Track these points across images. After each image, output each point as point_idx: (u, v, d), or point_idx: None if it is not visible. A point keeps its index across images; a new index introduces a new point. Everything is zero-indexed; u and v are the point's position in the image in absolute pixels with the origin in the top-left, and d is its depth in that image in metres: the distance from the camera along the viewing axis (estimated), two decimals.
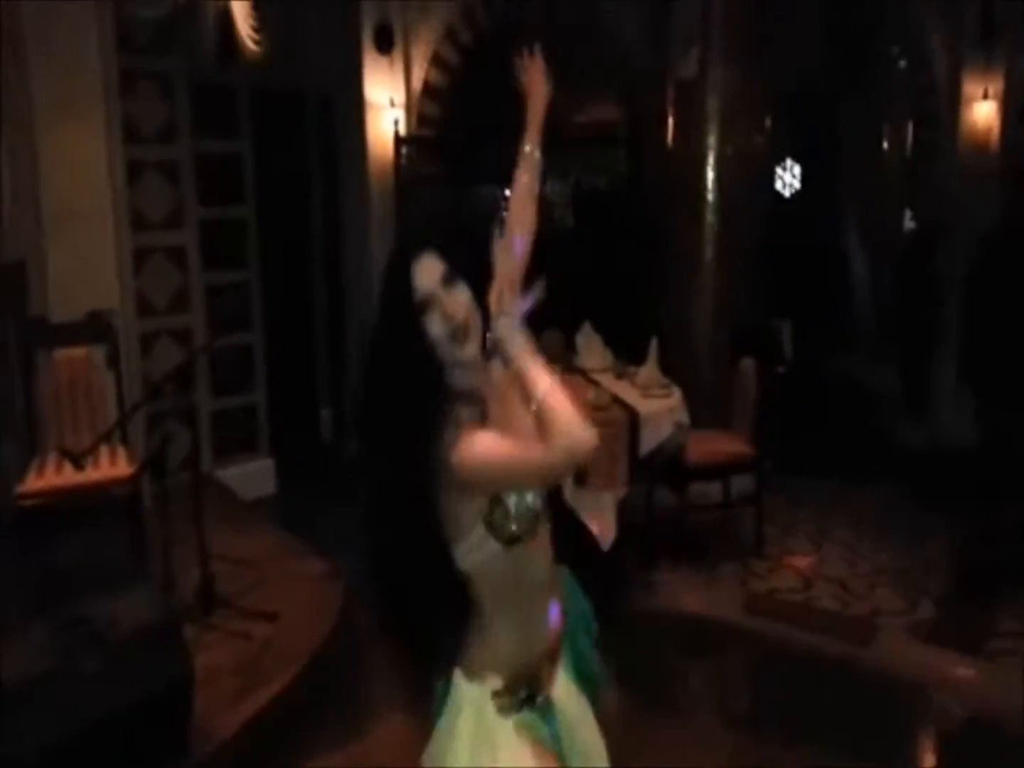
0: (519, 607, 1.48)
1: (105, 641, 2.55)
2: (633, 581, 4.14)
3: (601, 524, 3.89)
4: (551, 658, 1.54)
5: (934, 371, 5.99)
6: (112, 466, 3.50)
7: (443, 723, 1.50)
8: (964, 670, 3.45)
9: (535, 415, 1.36)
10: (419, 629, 1.55)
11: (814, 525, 4.75)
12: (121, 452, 3.61)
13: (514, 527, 1.40)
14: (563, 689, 1.56)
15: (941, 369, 5.96)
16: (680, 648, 3.73)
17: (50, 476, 3.44)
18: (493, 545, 1.40)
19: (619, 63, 6.15)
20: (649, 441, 4.04)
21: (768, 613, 3.89)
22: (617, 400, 4.11)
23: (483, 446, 1.35)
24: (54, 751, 2.35)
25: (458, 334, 1.40)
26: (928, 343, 6.03)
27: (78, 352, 3.78)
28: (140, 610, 2.72)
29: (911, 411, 6.08)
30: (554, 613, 1.55)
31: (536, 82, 1.70)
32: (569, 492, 3.87)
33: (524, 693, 1.47)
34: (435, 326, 1.39)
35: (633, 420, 3.98)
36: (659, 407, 4.13)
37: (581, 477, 3.90)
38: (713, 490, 4.52)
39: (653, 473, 4.41)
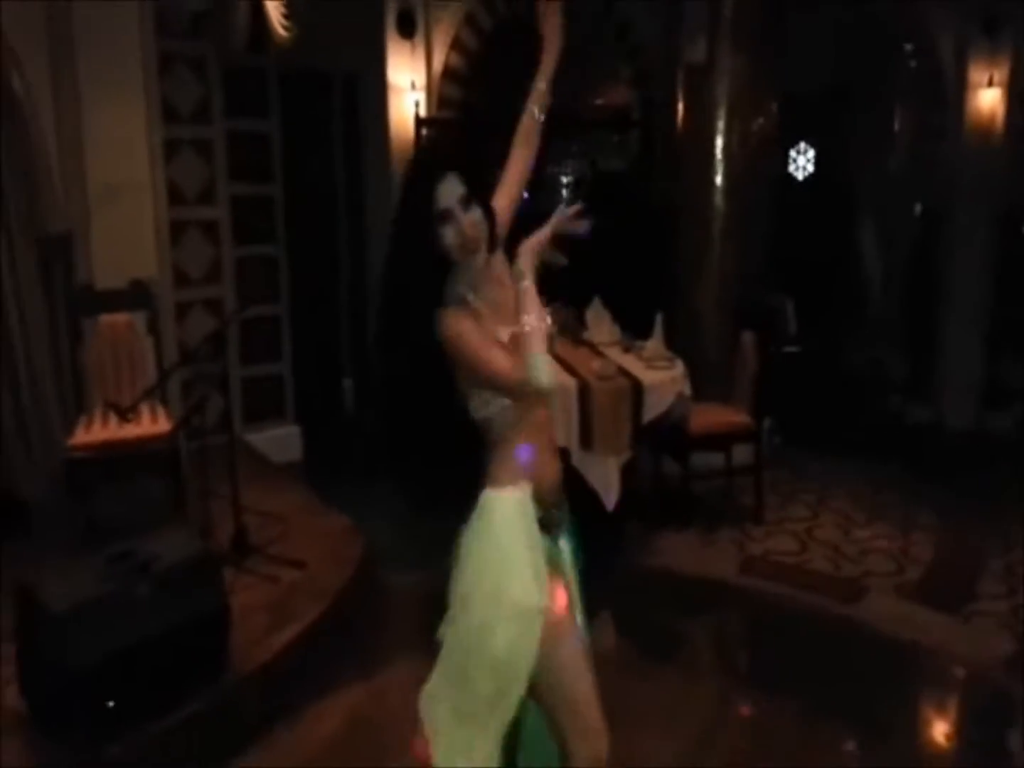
0: (534, 439, 1.78)
1: (151, 572, 2.83)
2: (636, 541, 4.38)
3: (605, 486, 4.14)
4: (560, 499, 1.85)
5: (938, 353, 6.18)
6: (153, 423, 3.78)
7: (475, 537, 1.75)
8: (946, 627, 3.66)
9: (514, 339, 1.63)
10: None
11: (814, 495, 4.97)
12: (160, 411, 3.90)
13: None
14: None
15: (944, 351, 6.14)
16: (678, 604, 3.95)
17: (96, 430, 3.73)
18: (502, 401, 1.70)
19: (633, 46, 6.34)
20: (652, 409, 4.27)
21: (763, 573, 4.12)
22: (622, 371, 4.34)
23: (460, 329, 1.63)
24: (105, 667, 2.63)
25: (468, 246, 1.69)
26: (933, 326, 6.21)
27: (121, 318, 4.06)
28: (181, 547, 2.99)
29: (915, 391, 6.28)
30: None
31: (552, 26, 1.90)
32: (576, 456, 4.11)
33: (543, 516, 1.77)
34: (449, 237, 1.68)
35: (637, 389, 4.21)
36: (662, 378, 4.36)
37: (587, 441, 4.16)
38: (715, 459, 4.75)
39: (658, 442, 4.64)
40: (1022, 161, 5.96)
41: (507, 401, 1.70)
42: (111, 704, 2.64)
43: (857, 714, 3.02)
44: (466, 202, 1.68)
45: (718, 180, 5.29)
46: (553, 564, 1.79)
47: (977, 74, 5.82)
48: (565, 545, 1.88)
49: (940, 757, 2.98)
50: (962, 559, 4.24)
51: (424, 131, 5.68)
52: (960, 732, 3.15)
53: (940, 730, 3.20)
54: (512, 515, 1.73)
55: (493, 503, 1.74)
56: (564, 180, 6.38)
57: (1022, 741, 3.13)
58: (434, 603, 4.15)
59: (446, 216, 1.67)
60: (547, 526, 1.79)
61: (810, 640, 3.58)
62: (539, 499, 1.78)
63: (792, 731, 2.92)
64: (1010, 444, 5.53)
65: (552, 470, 1.83)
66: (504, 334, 1.68)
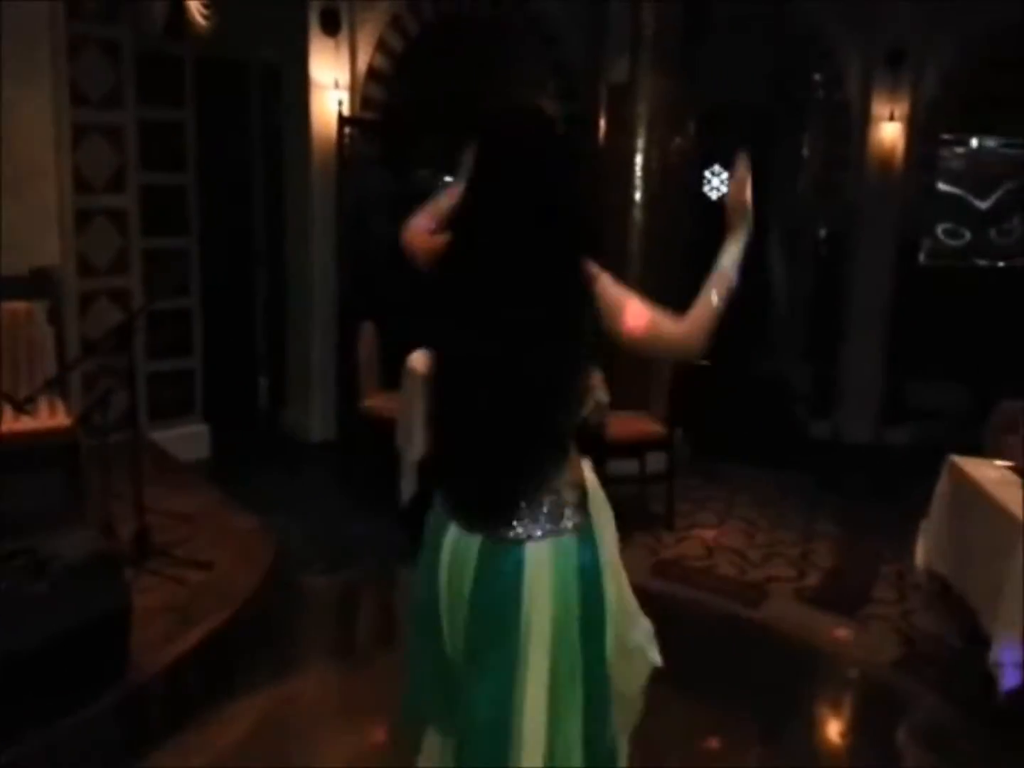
0: None
1: (48, 570, 2.70)
2: None
3: None
4: None
5: (840, 370, 6.47)
6: (51, 417, 3.61)
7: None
8: (841, 630, 3.82)
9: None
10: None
11: (722, 503, 5.13)
12: (60, 404, 3.72)
13: None
14: None
15: (845, 368, 6.44)
16: None
17: None
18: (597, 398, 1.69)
19: (558, 62, 6.44)
20: None
21: (673, 577, 4.22)
22: None
23: (649, 317, 1.63)
24: None
25: None
26: (836, 344, 6.50)
27: (20, 306, 3.86)
28: (80, 545, 2.87)
29: (818, 406, 6.55)
30: None
31: (737, 193, 1.77)
32: None
33: None
34: None
35: None
36: None
37: None
38: (630, 466, 4.83)
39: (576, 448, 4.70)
40: (919, 193, 6.34)
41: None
42: None
43: (756, 711, 3.11)
44: None
45: (637, 196, 5.42)
46: None
47: (880, 108, 6.15)
48: None
49: (833, 752, 3.10)
50: (858, 565, 4.44)
51: (347, 130, 5.63)
52: (853, 728, 3.28)
53: (833, 726, 3.33)
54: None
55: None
56: None
57: (909, 737, 3.29)
58: (347, 606, 4.08)
59: None
60: None
61: (715, 641, 3.68)
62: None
63: (692, 727, 2.98)
64: (905, 458, 5.83)
65: None
66: None
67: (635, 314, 1.63)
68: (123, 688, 2.80)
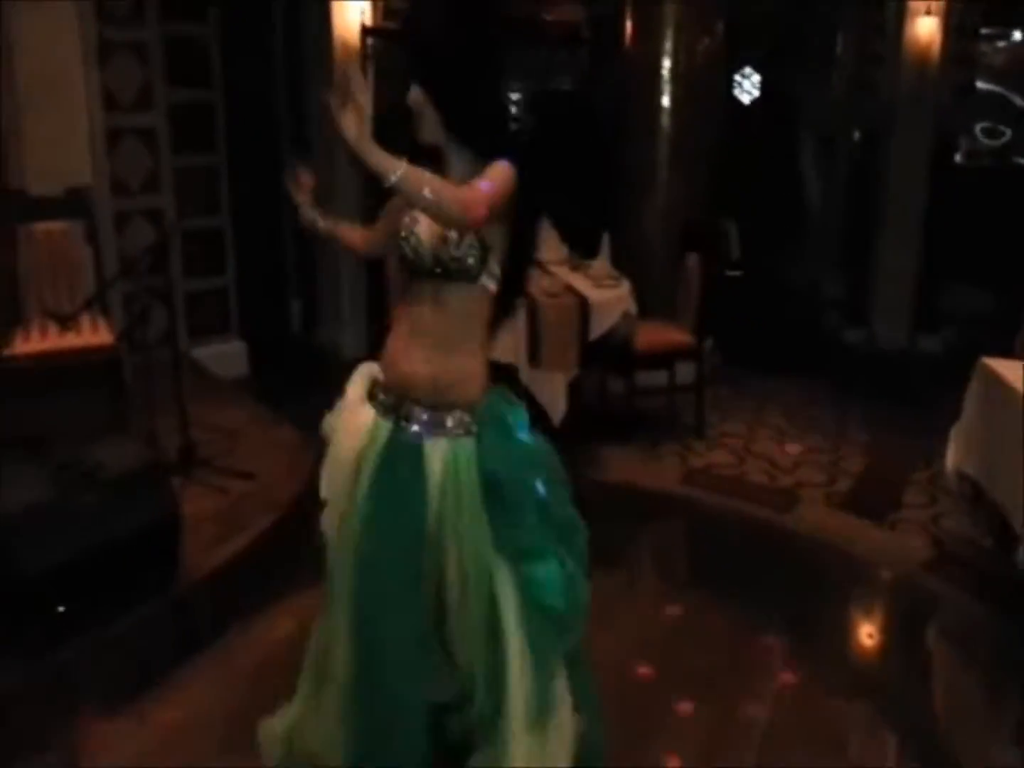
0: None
1: (98, 480, 2.82)
2: (583, 456, 4.47)
3: (552, 402, 4.21)
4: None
5: (874, 276, 6.36)
6: (94, 334, 3.71)
7: None
8: (871, 534, 3.86)
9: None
10: None
11: (752, 412, 5.14)
12: (101, 322, 3.81)
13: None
14: None
15: (880, 274, 6.33)
16: (623, 514, 4.04)
17: (36, 341, 3.64)
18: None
19: None
20: (598, 327, 4.33)
21: (703, 485, 4.27)
22: (570, 289, 4.38)
23: None
24: (55, 575, 2.64)
25: None
26: (870, 249, 6.37)
27: (58, 226, 3.92)
28: (127, 456, 2.99)
29: (851, 312, 6.48)
30: None
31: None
32: (524, 373, 4.17)
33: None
34: None
35: (584, 307, 4.26)
36: (608, 296, 4.41)
37: (535, 358, 4.21)
38: (658, 377, 4.85)
39: (604, 360, 4.72)
40: (956, 91, 6.09)
41: None
42: (61, 609, 2.65)
43: (788, 614, 3.16)
44: None
45: (665, 101, 5.29)
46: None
47: (916, 3, 5.86)
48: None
49: (865, 652, 3.18)
50: (889, 470, 4.45)
51: (370, 41, 5.51)
52: (884, 629, 3.35)
53: (864, 628, 3.39)
54: None
55: None
56: (512, 97, 6.28)
57: (940, 638, 3.35)
58: None
59: None
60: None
61: (746, 546, 3.74)
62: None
63: (726, 630, 3.06)
64: (938, 365, 5.77)
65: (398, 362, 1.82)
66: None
67: None
68: (172, 592, 2.95)
